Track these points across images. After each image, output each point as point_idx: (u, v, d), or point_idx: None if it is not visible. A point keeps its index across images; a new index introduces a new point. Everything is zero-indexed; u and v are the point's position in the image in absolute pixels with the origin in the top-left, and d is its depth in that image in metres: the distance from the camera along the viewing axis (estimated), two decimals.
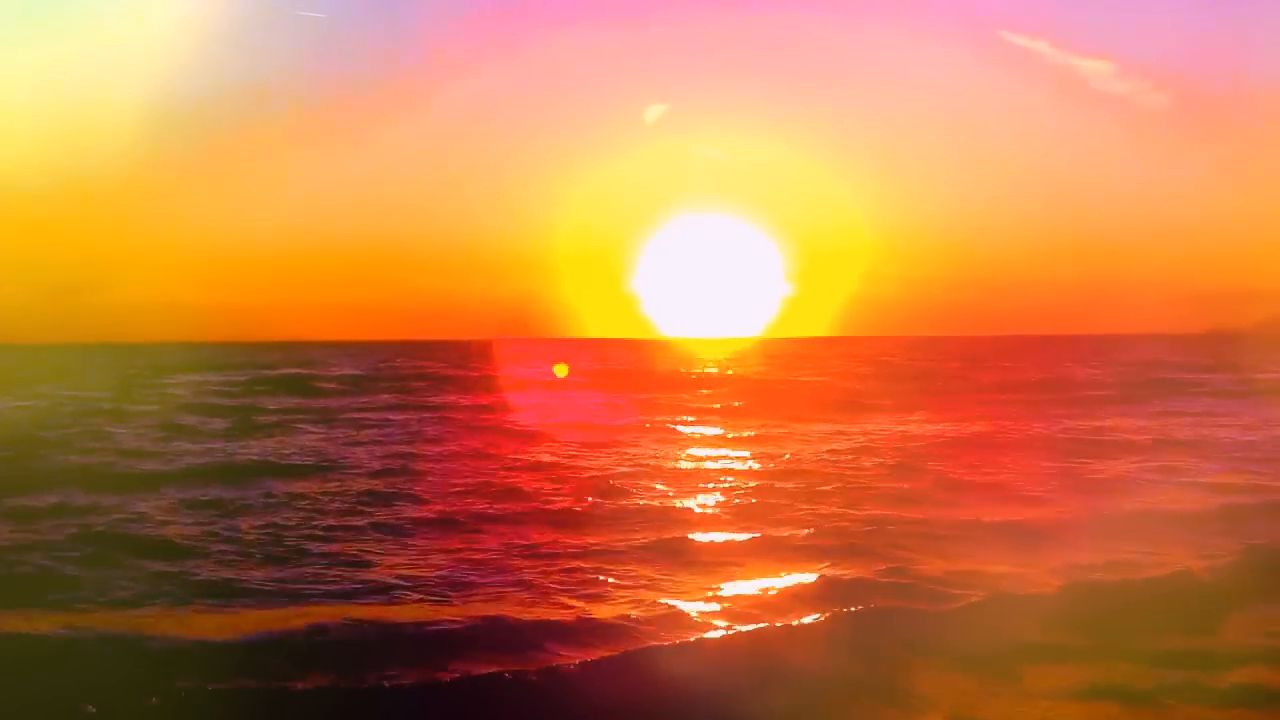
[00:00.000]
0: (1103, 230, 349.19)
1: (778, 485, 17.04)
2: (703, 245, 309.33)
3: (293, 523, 13.96)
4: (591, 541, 12.69)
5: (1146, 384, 45.69)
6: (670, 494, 16.55)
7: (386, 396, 42.12)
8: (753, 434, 26.48)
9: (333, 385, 48.98)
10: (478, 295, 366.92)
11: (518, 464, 20.23)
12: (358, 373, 63.37)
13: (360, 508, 15.14)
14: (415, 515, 14.52)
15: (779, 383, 51.06)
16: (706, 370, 66.07)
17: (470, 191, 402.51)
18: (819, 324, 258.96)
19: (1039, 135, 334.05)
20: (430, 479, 18.03)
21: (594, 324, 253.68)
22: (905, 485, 16.82)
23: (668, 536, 12.90)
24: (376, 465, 20.02)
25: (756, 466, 20.10)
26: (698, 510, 15.15)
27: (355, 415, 32.33)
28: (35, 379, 55.78)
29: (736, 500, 15.84)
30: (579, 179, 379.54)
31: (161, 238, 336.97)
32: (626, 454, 21.87)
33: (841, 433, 26.28)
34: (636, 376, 53.87)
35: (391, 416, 32.11)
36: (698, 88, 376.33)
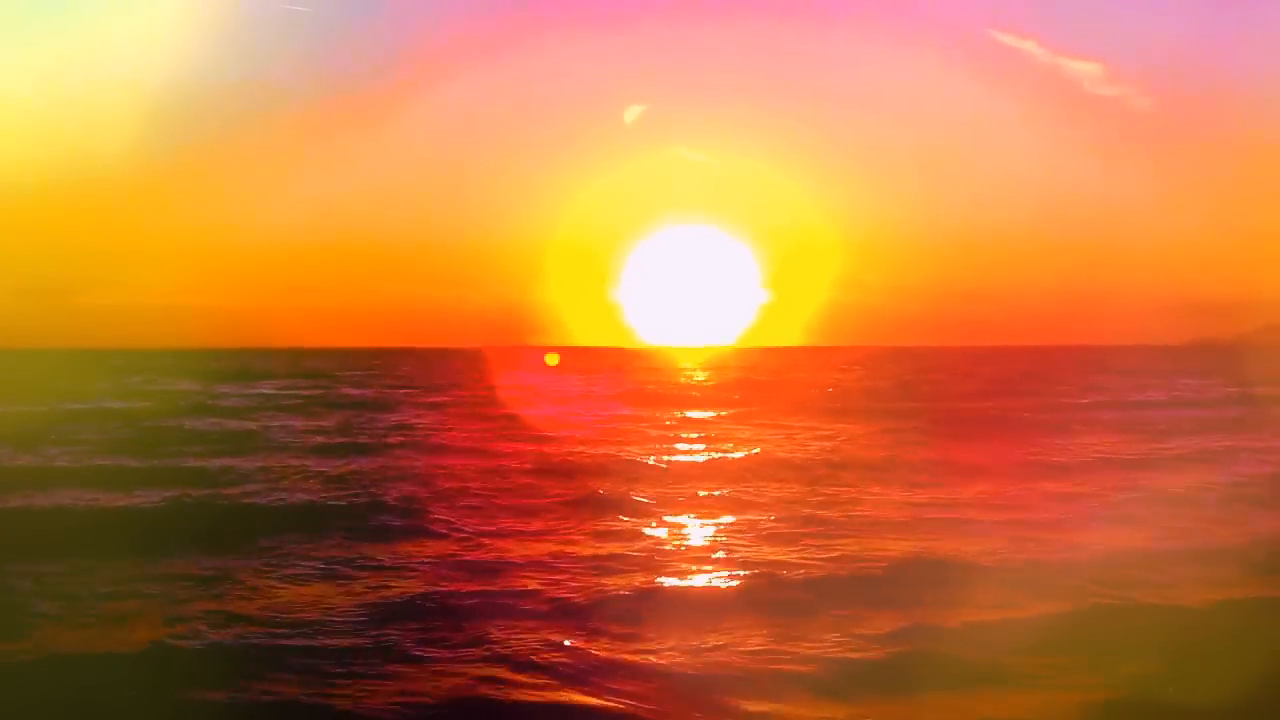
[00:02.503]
0: (1088, 237, 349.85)
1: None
2: (683, 251, 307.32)
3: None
4: None
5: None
6: None
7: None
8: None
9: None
10: (453, 302, 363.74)
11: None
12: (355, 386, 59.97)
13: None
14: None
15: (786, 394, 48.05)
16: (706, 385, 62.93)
17: (447, 195, 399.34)
18: (797, 332, 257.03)
19: (1025, 138, 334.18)
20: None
21: (574, 332, 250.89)
22: None
23: None
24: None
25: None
26: None
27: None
28: None
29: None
30: (560, 183, 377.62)
31: (143, 239, 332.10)
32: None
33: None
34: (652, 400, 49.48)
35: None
36: (681, 91, 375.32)
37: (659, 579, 11.36)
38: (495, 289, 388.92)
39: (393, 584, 11.20)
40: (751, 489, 18.05)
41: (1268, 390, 47.67)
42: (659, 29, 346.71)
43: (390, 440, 27.16)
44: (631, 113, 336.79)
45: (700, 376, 73.38)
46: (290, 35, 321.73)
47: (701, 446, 26.29)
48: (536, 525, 14.82)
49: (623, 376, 71.82)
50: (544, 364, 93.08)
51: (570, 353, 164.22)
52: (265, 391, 51.37)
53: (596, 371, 79.23)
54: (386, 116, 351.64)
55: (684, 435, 29.66)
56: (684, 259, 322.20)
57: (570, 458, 22.85)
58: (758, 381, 63.31)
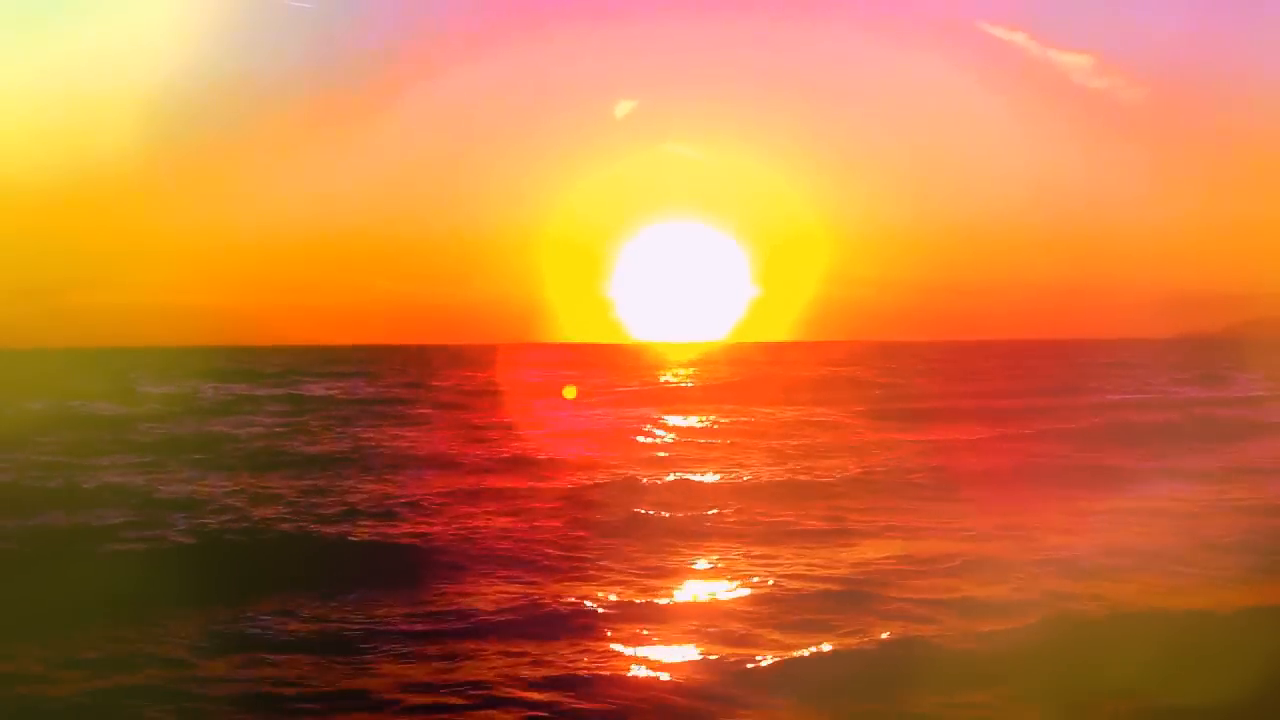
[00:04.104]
0: (1077, 230, 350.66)
1: None
2: (674, 247, 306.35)
3: None
4: None
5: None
6: None
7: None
8: None
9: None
10: (445, 298, 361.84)
11: None
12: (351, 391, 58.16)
13: None
14: None
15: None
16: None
17: (439, 191, 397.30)
18: (788, 328, 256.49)
19: (1015, 130, 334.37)
20: None
21: (565, 327, 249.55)
22: None
23: None
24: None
25: None
26: None
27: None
28: None
29: None
30: (551, 179, 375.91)
31: (137, 238, 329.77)
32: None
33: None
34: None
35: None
36: (672, 86, 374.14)
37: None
38: (487, 285, 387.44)
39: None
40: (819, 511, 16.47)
41: None
42: (649, 25, 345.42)
43: (397, 450, 25.31)
44: (623, 108, 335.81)
45: (714, 373, 71.85)
46: (283, 33, 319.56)
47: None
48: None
49: (629, 374, 70.17)
50: (539, 363, 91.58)
51: (562, 349, 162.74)
52: (272, 392, 49.84)
53: (598, 370, 77.64)
54: (377, 113, 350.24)
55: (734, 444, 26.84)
56: (675, 254, 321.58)
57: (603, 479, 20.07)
58: (786, 378, 61.06)
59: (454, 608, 10.65)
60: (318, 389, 53.36)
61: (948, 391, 47.74)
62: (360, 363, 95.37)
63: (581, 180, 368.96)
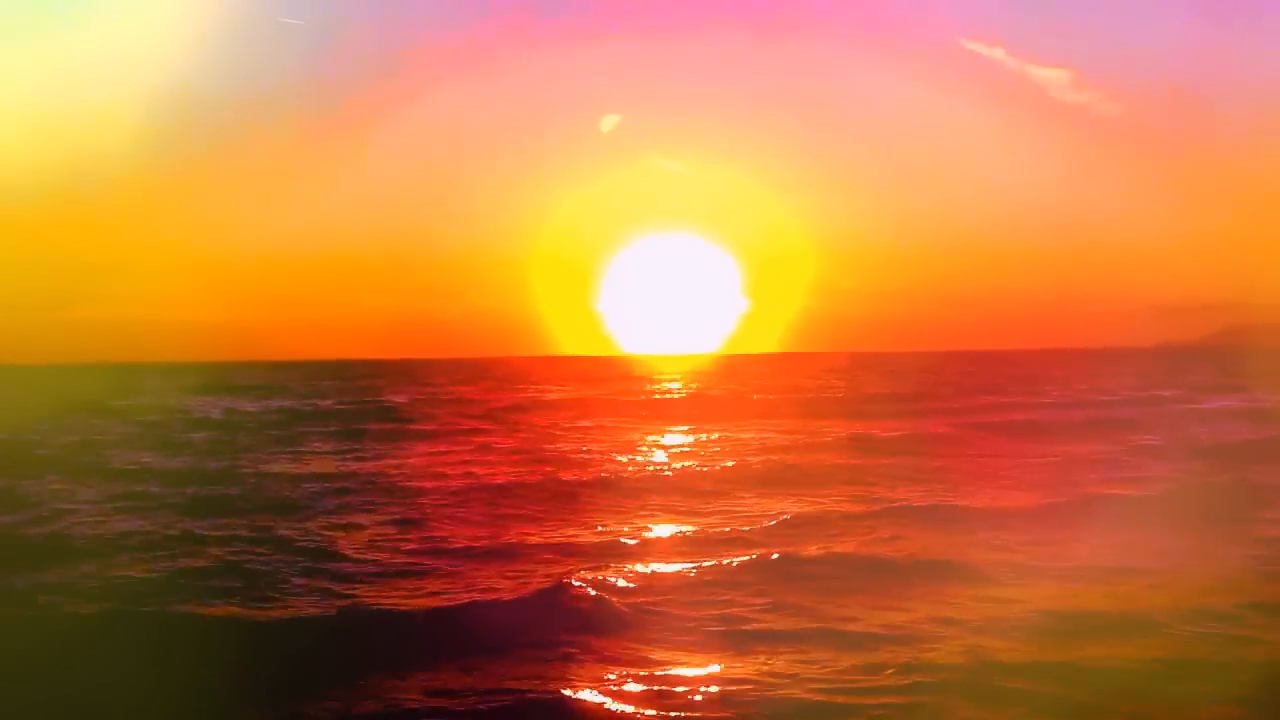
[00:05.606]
0: (1057, 242, 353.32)
1: None
2: (662, 260, 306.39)
3: None
4: None
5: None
6: None
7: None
8: None
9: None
10: (436, 312, 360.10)
11: None
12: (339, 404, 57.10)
13: None
14: None
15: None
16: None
17: (429, 207, 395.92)
18: (775, 339, 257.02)
19: (994, 144, 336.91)
20: None
21: (557, 341, 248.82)
22: None
23: None
24: None
25: None
26: None
27: None
28: None
29: None
30: (539, 193, 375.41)
31: (133, 253, 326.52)
32: None
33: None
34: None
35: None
36: (656, 101, 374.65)
37: None
38: (479, 300, 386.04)
39: None
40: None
41: None
42: (634, 41, 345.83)
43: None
44: (608, 122, 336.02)
45: (754, 385, 71.25)
46: (277, 51, 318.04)
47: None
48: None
49: (635, 387, 69.31)
50: (540, 377, 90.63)
51: (555, 362, 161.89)
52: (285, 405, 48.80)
53: (602, 383, 76.99)
54: (367, 130, 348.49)
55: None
56: (663, 267, 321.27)
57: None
58: (797, 390, 59.65)
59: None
60: (316, 402, 52.28)
61: (1012, 403, 45.28)
62: (356, 377, 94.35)
63: (569, 194, 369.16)
